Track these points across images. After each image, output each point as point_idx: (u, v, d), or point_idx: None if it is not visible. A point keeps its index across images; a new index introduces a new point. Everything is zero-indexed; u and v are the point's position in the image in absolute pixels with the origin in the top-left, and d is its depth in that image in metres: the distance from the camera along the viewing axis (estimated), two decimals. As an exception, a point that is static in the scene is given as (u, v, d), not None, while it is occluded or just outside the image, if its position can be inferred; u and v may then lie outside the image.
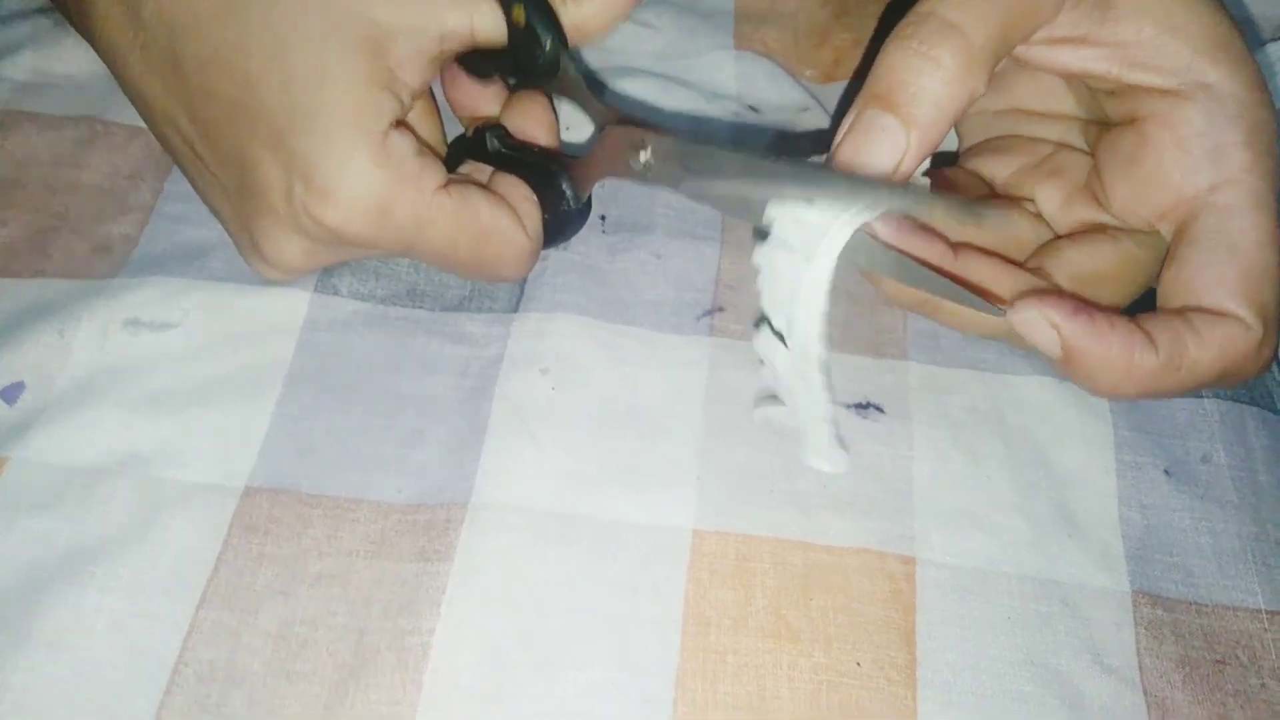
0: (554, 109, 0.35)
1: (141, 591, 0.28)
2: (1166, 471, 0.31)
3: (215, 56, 0.29)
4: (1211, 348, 0.27)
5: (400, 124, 0.29)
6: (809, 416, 0.29)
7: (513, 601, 0.28)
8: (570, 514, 0.29)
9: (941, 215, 0.24)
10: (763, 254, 0.28)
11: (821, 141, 0.39)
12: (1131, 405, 0.32)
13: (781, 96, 0.40)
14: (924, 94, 0.26)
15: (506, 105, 0.35)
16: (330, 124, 0.28)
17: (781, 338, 0.28)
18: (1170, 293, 0.28)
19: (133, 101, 0.32)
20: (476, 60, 0.33)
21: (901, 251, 0.27)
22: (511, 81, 0.35)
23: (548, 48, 0.30)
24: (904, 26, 0.27)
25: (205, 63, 0.29)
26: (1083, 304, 0.27)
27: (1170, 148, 0.28)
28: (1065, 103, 0.32)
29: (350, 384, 0.32)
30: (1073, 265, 0.30)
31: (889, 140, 0.27)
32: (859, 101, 0.27)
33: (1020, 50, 0.28)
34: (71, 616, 0.27)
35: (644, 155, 0.30)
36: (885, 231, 0.27)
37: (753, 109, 0.40)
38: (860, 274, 0.34)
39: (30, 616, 0.27)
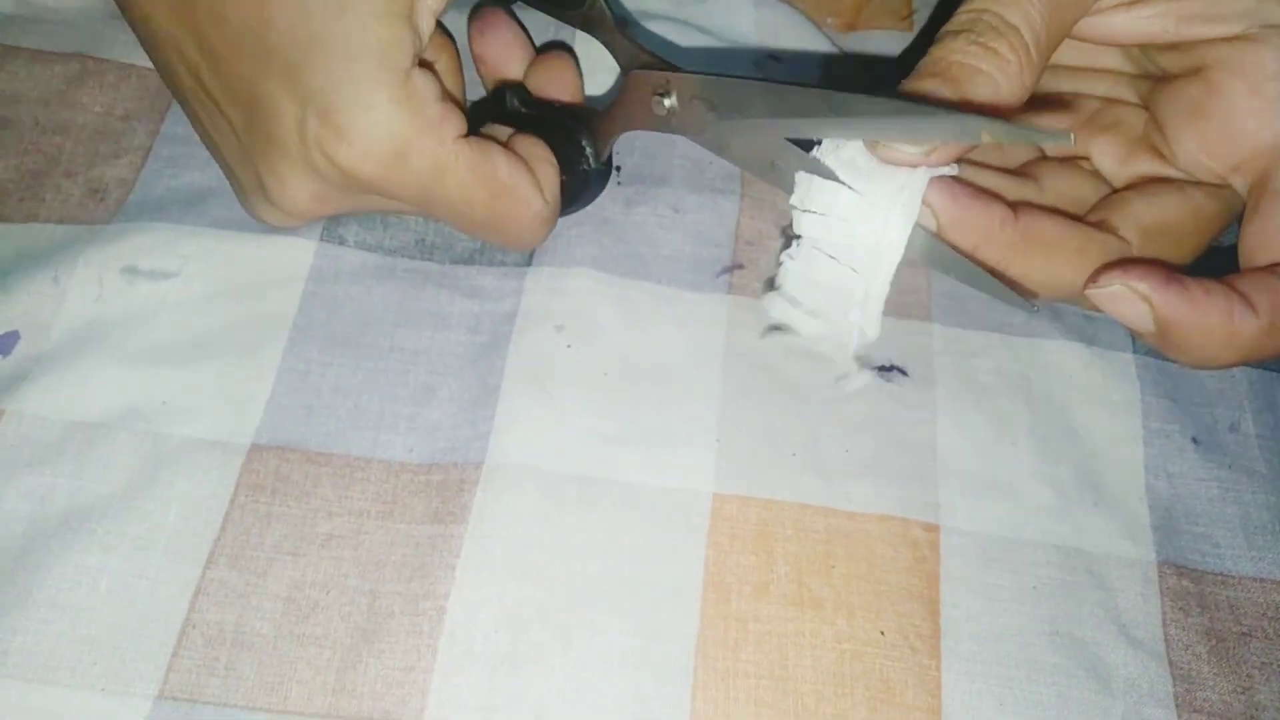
0: (579, 69, 0.34)
1: (146, 551, 0.27)
2: (1194, 440, 0.31)
3: None
4: None
5: (424, 66, 0.28)
6: (844, 349, 0.29)
7: (529, 566, 0.27)
8: (587, 476, 0.29)
9: (996, 140, 0.22)
10: (840, 165, 0.27)
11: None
12: (1160, 371, 0.32)
13: (803, 44, 0.39)
14: (985, 77, 0.25)
15: (531, 65, 0.33)
16: (350, 57, 0.26)
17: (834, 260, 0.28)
18: (1254, 248, 0.27)
19: (135, 29, 0.30)
20: None
21: (952, 245, 0.26)
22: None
23: None
24: (958, 22, 0.26)
25: None
26: (1172, 271, 0.25)
27: (1243, 96, 0.27)
28: (1111, 58, 0.31)
29: (358, 338, 0.31)
30: (1140, 217, 0.28)
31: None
32: (911, 78, 0.26)
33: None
34: (73, 576, 0.26)
35: (668, 101, 0.29)
36: (940, 199, 0.26)
37: (774, 58, 0.38)
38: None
39: (30, 576, 0.26)
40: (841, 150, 0.27)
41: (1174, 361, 0.27)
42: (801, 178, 0.28)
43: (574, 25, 0.33)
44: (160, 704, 0.25)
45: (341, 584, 0.27)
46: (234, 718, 0.25)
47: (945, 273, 0.27)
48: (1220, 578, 0.29)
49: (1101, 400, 0.31)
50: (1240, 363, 0.26)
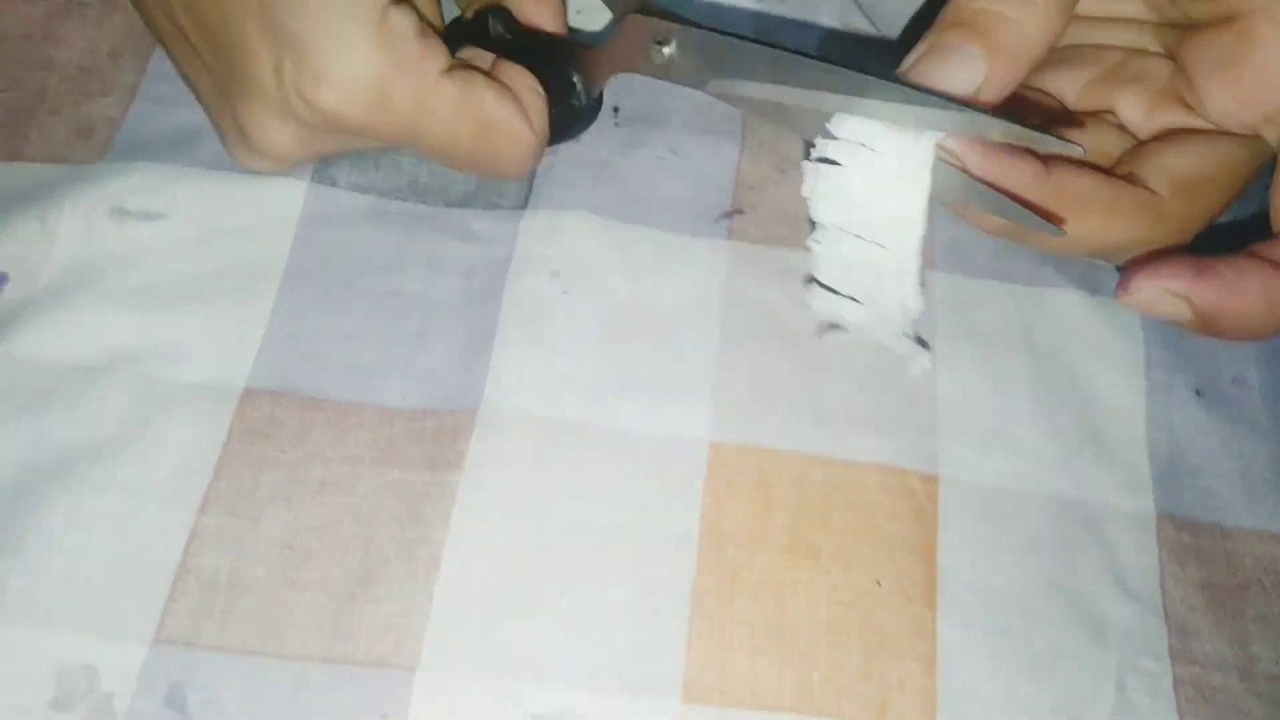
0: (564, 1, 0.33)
1: (140, 495, 0.27)
2: (1198, 392, 0.30)
3: None
4: None
5: (400, 1, 0.27)
6: (891, 327, 0.28)
7: (524, 513, 0.27)
8: (583, 423, 0.28)
9: (1007, 139, 0.22)
10: (843, 149, 0.26)
11: (861, 48, 0.37)
12: (1165, 323, 0.31)
13: (809, 13, 0.37)
14: (1012, 25, 0.24)
15: None
16: None
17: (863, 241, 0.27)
18: None
19: None
20: None
21: (985, 182, 0.26)
22: None
23: None
24: (954, 13, 0.25)
25: None
26: (1200, 261, 0.25)
27: (1278, 44, 0.26)
28: (1133, 6, 0.30)
29: (351, 282, 0.30)
30: (1169, 169, 0.27)
31: (969, 67, 0.24)
32: (934, 29, 0.25)
33: None
34: (67, 520, 0.26)
35: (667, 50, 0.28)
36: (973, 156, 0.25)
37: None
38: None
39: (24, 520, 0.26)
40: (847, 122, 0.26)
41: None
42: (808, 167, 0.27)
43: None
44: (156, 647, 0.25)
45: (336, 530, 0.27)
46: (230, 662, 0.25)
47: (993, 211, 0.26)
48: (1218, 530, 0.29)
49: (1104, 351, 0.31)
50: None
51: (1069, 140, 0.22)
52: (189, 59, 0.29)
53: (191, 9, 0.27)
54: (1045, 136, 0.23)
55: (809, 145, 0.27)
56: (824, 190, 0.27)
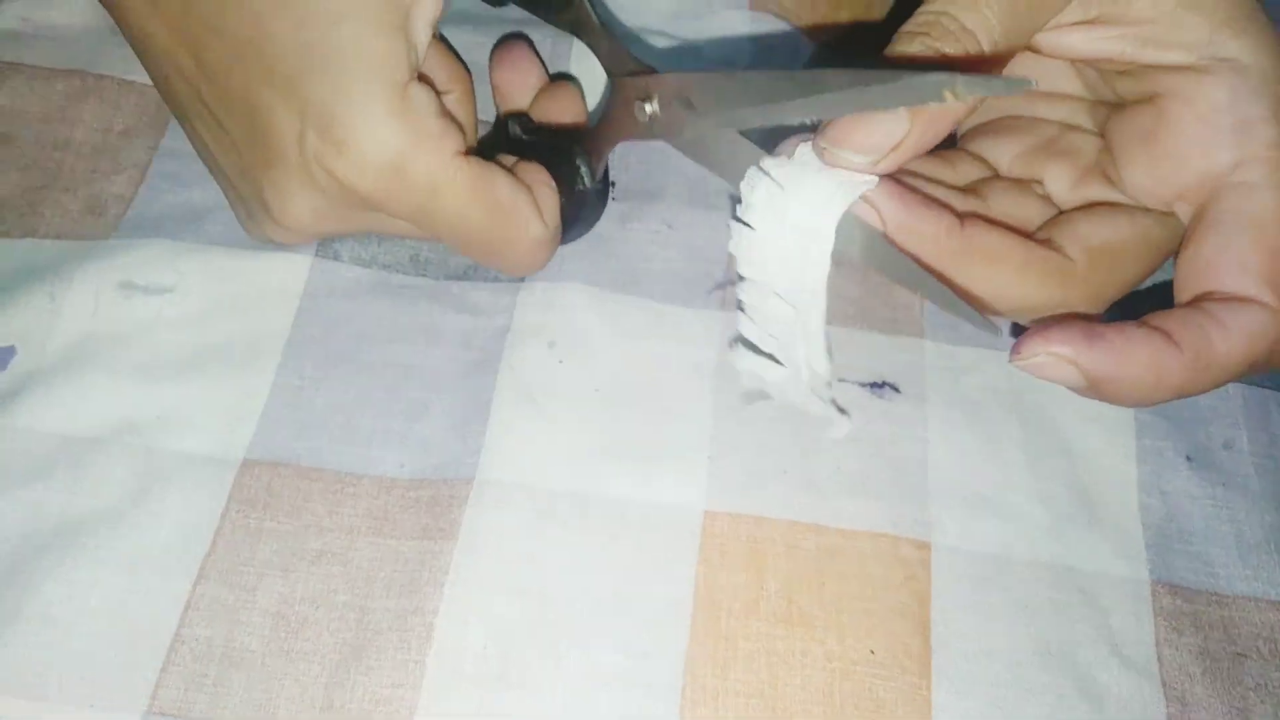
0: (583, 96, 0.34)
1: (137, 566, 0.27)
2: (1188, 457, 0.31)
3: None
4: (1238, 338, 0.26)
5: (424, 81, 0.28)
6: (807, 389, 0.28)
7: (518, 582, 0.27)
8: (578, 492, 0.29)
9: (959, 98, 0.22)
10: (755, 211, 0.27)
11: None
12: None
13: (796, 61, 0.39)
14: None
15: (538, 94, 0.34)
16: (347, 69, 0.26)
17: (780, 298, 0.27)
18: (1188, 277, 0.27)
19: (133, 45, 0.31)
20: None
21: (901, 249, 0.26)
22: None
23: None
24: (914, 25, 0.26)
25: None
26: (1091, 326, 0.25)
27: (1191, 124, 0.27)
28: (1070, 83, 0.31)
29: (352, 354, 0.31)
30: (1087, 238, 0.28)
31: (889, 124, 0.25)
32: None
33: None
34: (64, 591, 0.26)
35: (649, 107, 0.29)
36: (890, 205, 0.26)
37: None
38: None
39: (20, 590, 0.26)
40: (760, 184, 0.27)
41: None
42: (732, 224, 0.28)
43: (564, 29, 0.33)
44: (149, 719, 0.25)
45: (331, 600, 0.27)
46: (221, 734, 0.25)
47: (906, 284, 0.27)
48: (1214, 597, 0.28)
49: (1094, 417, 0.31)
50: (1177, 398, 0.26)
51: (1021, 80, 0.22)
52: (211, 130, 0.30)
53: (216, 81, 0.28)
54: (993, 80, 0.23)
55: (735, 201, 0.28)
56: (743, 250, 0.28)
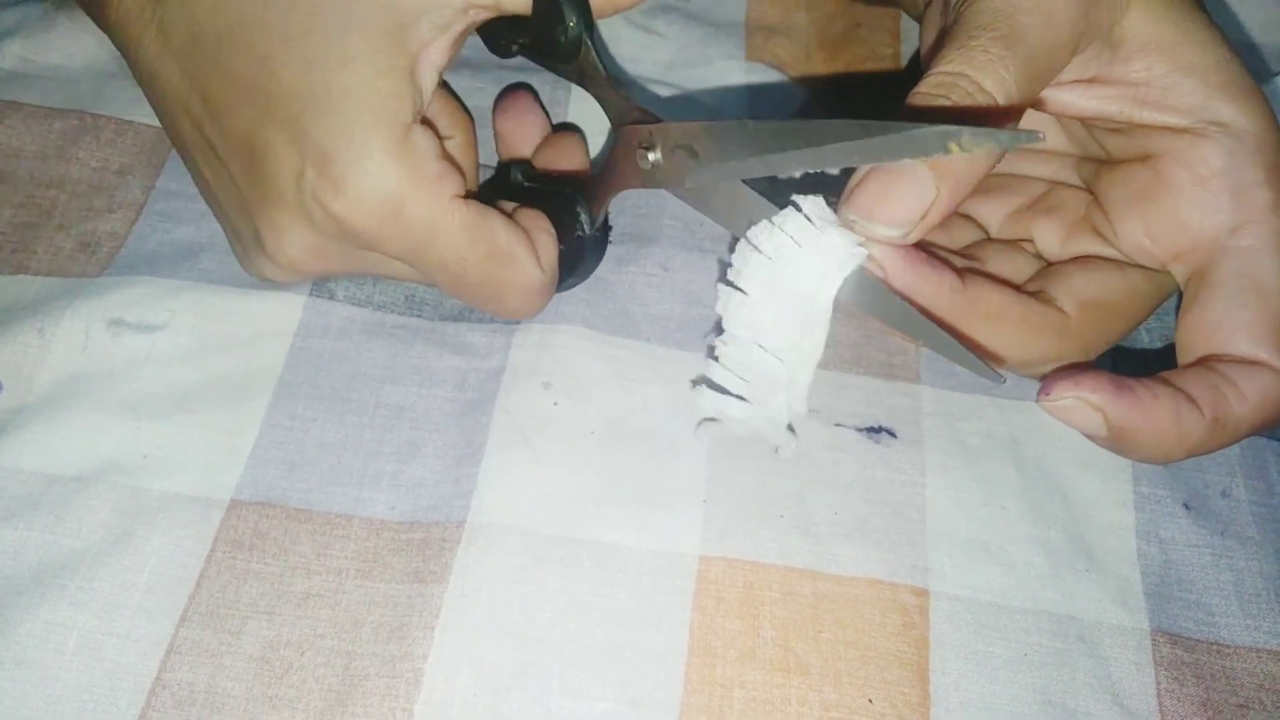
0: (585, 145, 0.34)
1: (117, 608, 0.26)
2: (1186, 505, 0.30)
3: (234, 34, 0.27)
4: (1252, 400, 0.26)
5: (426, 124, 0.28)
6: (771, 423, 0.29)
7: (510, 627, 0.27)
8: (571, 536, 0.28)
9: (965, 150, 0.22)
10: (746, 279, 0.27)
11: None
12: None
13: (793, 111, 0.39)
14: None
15: (541, 143, 0.34)
16: (350, 109, 0.26)
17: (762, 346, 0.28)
18: (1192, 339, 0.28)
19: (141, 84, 0.31)
20: (498, 31, 0.32)
21: (905, 298, 0.26)
22: (524, 51, 0.34)
23: (571, 25, 0.29)
24: (930, 87, 0.26)
25: (224, 40, 0.27)
26: (1119, 377, 0.26)
27: (1188, 187, 0.28)
28: (1057, 139, 0.31)
29: (344, 394, 0.31)
30: (1078, 291, 0.29)
31: (917, 190, 0.25)
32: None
33: None
34: (41, 633, 0.26)
35: (652, 156, 0.29)
36: (896, 264, 0.26)
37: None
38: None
39: (-2, 632, 0.26)
40: (774, 238, 0.27)
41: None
42: (721, 289, 0.28)
43: (570, 79, 0.33)
44: (125, 768, 0.24)
45: (317, 644, 0.26)
46: (200, 783, 0.24)
47: (915, 337, 0.27)
48: (1215, 647, 0.28)
49: (1092, 464, 0.31)
50: (1189, 457, 0.27)
51: (1029, 133, 0.22)
52: (212, 166, 0.30)
53: (220, 119, 0.28)
54: (1001, 134, 0.22)
55: (725, 266, 0.28)
56: (732, 312, 0.28)
